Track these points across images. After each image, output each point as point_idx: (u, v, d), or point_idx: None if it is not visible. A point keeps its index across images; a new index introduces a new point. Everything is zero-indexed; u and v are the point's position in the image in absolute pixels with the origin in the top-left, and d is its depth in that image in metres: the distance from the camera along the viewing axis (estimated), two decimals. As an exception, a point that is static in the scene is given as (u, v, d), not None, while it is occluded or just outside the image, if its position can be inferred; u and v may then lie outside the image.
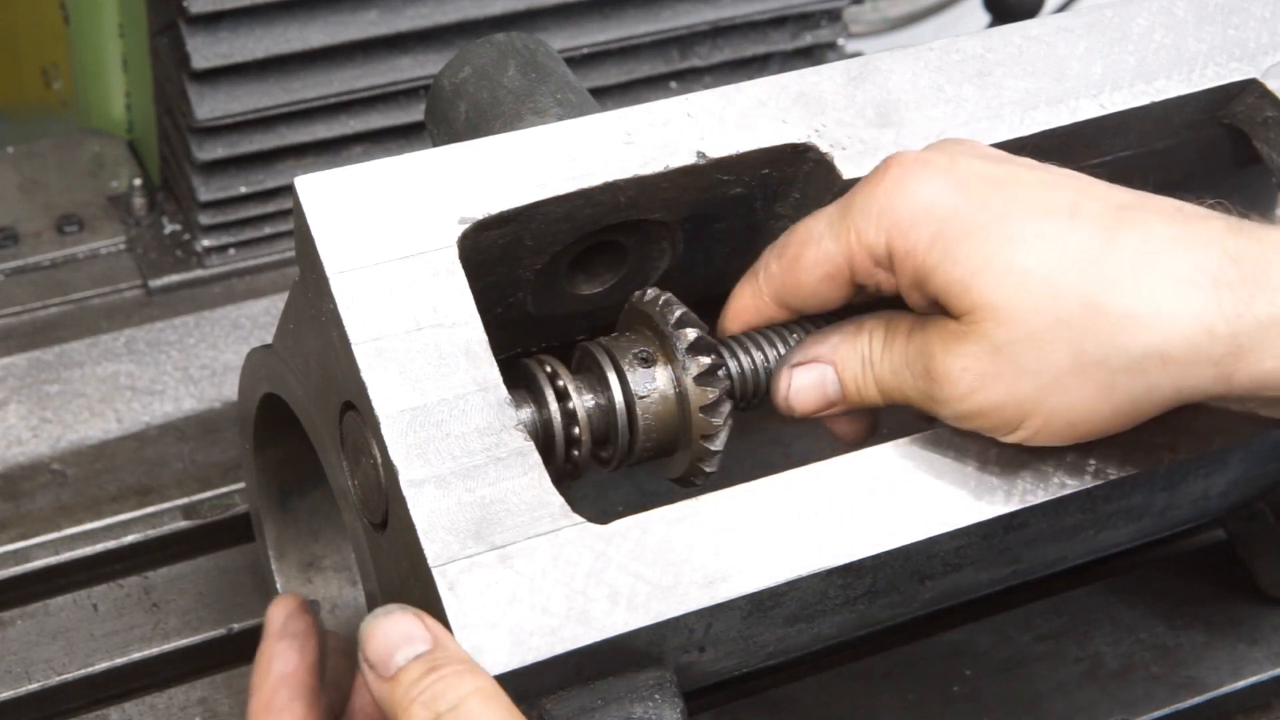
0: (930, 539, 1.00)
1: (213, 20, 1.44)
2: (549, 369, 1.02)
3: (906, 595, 1.08)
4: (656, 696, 0.99)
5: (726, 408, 1.02)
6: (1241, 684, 1.32)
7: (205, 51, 1.44)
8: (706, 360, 1.01)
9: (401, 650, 0.90)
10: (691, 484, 1.04)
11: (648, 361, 1.02)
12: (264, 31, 1.46)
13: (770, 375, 1.06)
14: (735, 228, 1.11)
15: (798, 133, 1.06)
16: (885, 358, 1.02)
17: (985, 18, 1.81)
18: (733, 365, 1.05)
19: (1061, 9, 1.93)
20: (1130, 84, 1.12)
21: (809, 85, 1.08)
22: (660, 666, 1.00)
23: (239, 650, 1.30)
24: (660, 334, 1.03)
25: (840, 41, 1.70)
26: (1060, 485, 1.03)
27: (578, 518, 0.95)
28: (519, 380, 1.02)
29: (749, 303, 1.07)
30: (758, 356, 1.06)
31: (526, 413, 1.00)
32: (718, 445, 1.02)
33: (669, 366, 1.02)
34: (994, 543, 1.07)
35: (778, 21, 1.66)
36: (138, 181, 1.58)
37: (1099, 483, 1.04)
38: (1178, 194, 1.25)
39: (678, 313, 1.02)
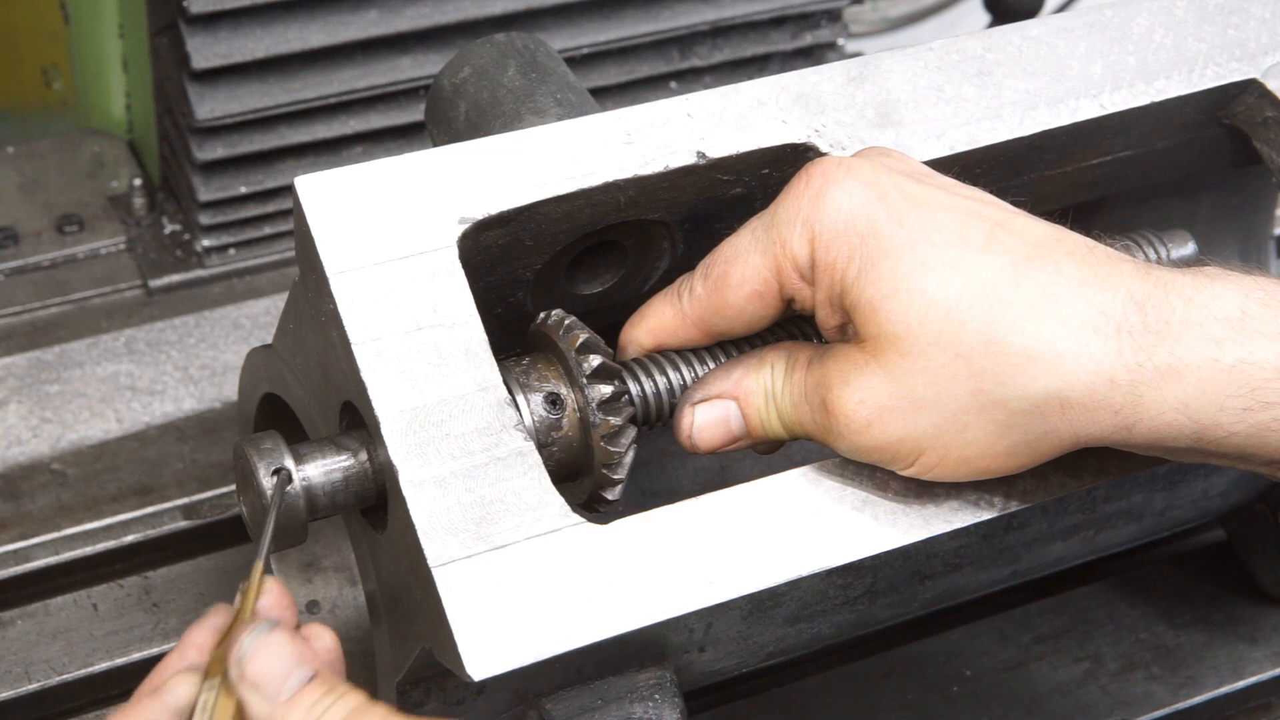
0: (930, 539, 1.00)
1: (213, 20, 1.44)
2: None
3: (906, 595, 1.08)
4: (656, 696, 0.99)
5: (629, 435, 1.01)
6: (1241, 684, 1.32)
7: (205, 51, 1.44)
8: (609, 389, 1.01)
9: (290, 679, 0.89)
10: (595, 510, 1.03)
11: (556, 405, 1.01)
12: (264, 31, 1.46)
13: (676, 400, 1.04)
14: (735, 228, 1.11)
15: (798, 133, 1.06)
16: (786, 390, 1.01)
17: (985, 18, 1.81)
18: (635, 389, 1.03)
19: (1061, 9, 1.93)
20: (1130, 84, 1.12)
21: (809, 85, 1.08)
22: (660, 666, 1.00)
23: (239, 650, 1.30)
24: (564, 359, 1.02)
25: (840, 41, 1.70)
26: (1060, 485, 1.03)
27: (577, 518, 0.94)
28: None
29: (669, 323, 1.05)
30: (662, 381, 1.04)
31: None
32: (620, 474, 1.01)
33: (572, 393, 1.01)
34: (994, 543, 1.07)
35: (778, 21, 1.66)
36: (138, 181, 1.58)
37: (1099, 483, 1.04)
38: (1178, 194, 1.26)
39: (582, 338, 1.01)
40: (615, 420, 1.00)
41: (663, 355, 1.05)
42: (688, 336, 1.05)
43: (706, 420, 1.02)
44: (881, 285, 0.95)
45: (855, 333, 0.97)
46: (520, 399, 1.00)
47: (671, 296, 1.05)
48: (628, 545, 0.95)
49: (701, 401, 1.03)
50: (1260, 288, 0.94)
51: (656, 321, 1.05)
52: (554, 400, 1.01)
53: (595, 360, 1.01)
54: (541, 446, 1.00)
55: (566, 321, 1.02)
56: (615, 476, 1.01)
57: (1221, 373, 0.92)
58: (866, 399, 0.95)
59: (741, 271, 1.01)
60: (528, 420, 1.00)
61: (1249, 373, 0.92)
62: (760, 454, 1.06)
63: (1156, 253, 1.19)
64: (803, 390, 0.99)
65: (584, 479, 1.03)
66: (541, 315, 1.04)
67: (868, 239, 0.96)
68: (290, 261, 1.55)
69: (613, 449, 1.00)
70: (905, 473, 0.98)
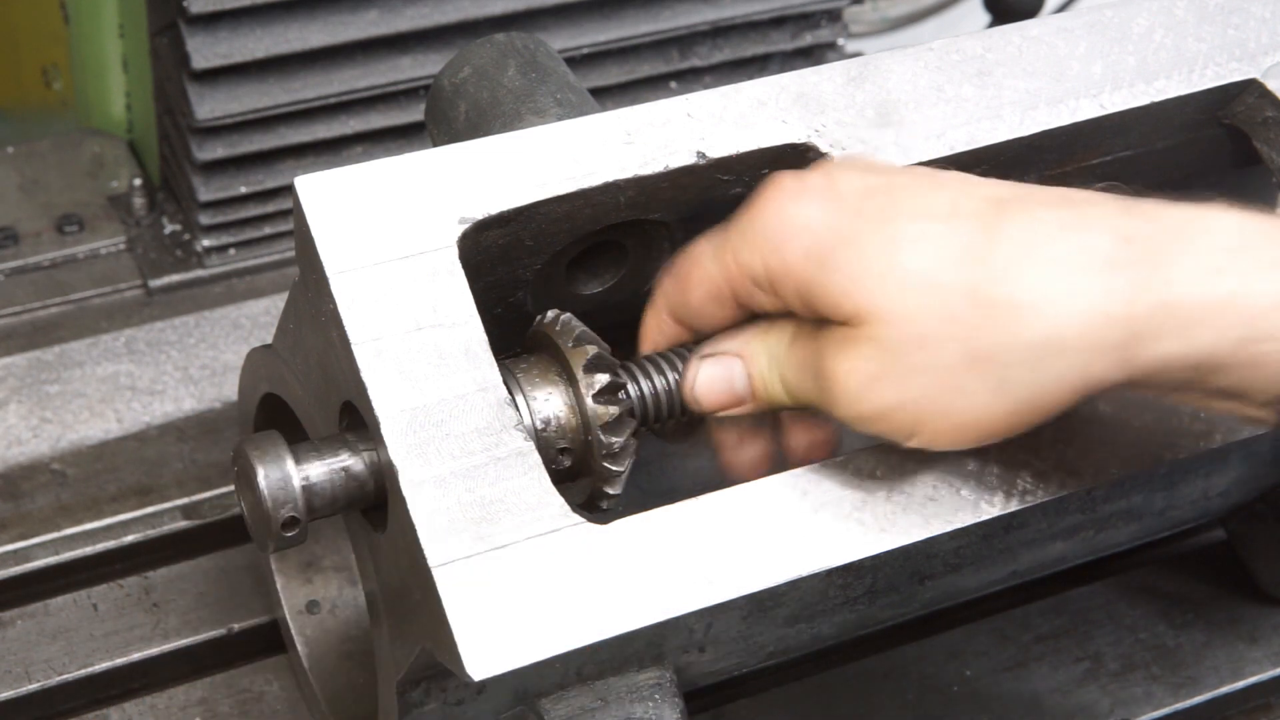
0: (930, 539, 1.00)
1: (213, 20, 1.44)
2: None
3: (906, 595, 1.08)
4: (656, 696, 0.99)
5: (629, 427, 1.01)
6: (1241, 684, 1.32)
7: (205, 51, 1.44)
8: (605, 378, 1.01)
9: None
10: (597, 508, 1.03)
11: (554, 401, 1.01)
12: (264, 31, 1.46)
13: (676, 398, 1.04)
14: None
15: (798, 133, 1.06)
16: (790, 356, 1.00)
17: (985, 18, 1.81)
18: (633, 389, 1.03)
19: (1061, 9, 1.93)
20: (1130, 84, 1.12)
21: (809, 85, 1.08)
22: (660, 666, 1.00)
23: (239, 650, 1.30)
24: (560, 354, 1.02)
25: (840, 41, 1.70)
26: (1060, 485, 1.03)
27: (577, 518, 0.95)
28: None
29: (651, 322, 1.06)
30: (666, 378, 1.04)
31: None
32: (620, 466, 1.01)
33: (570, 388, 1.01)
34: (994, 543, 1.07)
35: (778, 21, 1.66)
36: (138, 181, 1.58)
37: (1099, 483, 1.04)
38: (1178, 194, 1.25)
39: (576, 332, 1.02)
40: (612, 410, 1.00)
41: (661, 355, 1.05)
42: (671, 331, 1.05)
43: (710, 375, 1.02)
44: (848, 270, 0.94)
45: (836, 320, 0.96)
46: (520, 399, 1.00)
47: (652, 298, 1.06)
48: (628, 545, 0.95)
49: (708, 356, 1.03)
50: (1255, 218, 0.93)
51: (644, 324, 1.07)
52: (552, 397, 1.01)
53: (591, 350, 1.01)
54: (541, 445, 1.00)
55: (563, 318, 1.02)
56: (615, 469, 1.01)
57: (1217, 303, 0.90)
58: (857, 367, 0.94)
59: (699, 275, 1.02)
60: (527, 420, 1.00)
61: (1246, 303, 0.90)
62: (798, 459, 1.05)
63: None
64: (803, 355, 0.99)
65: (585, 478, 1.03)
66: (539, 317, 1.04)
67: (821, 235, 0.95)
68: (290, 261, 1.55)
69: (611, 439, 1.00)
70: (911, 444, 0.96)
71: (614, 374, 1.01)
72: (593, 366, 1.00)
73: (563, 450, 1.01)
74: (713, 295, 1.01)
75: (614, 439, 1.00)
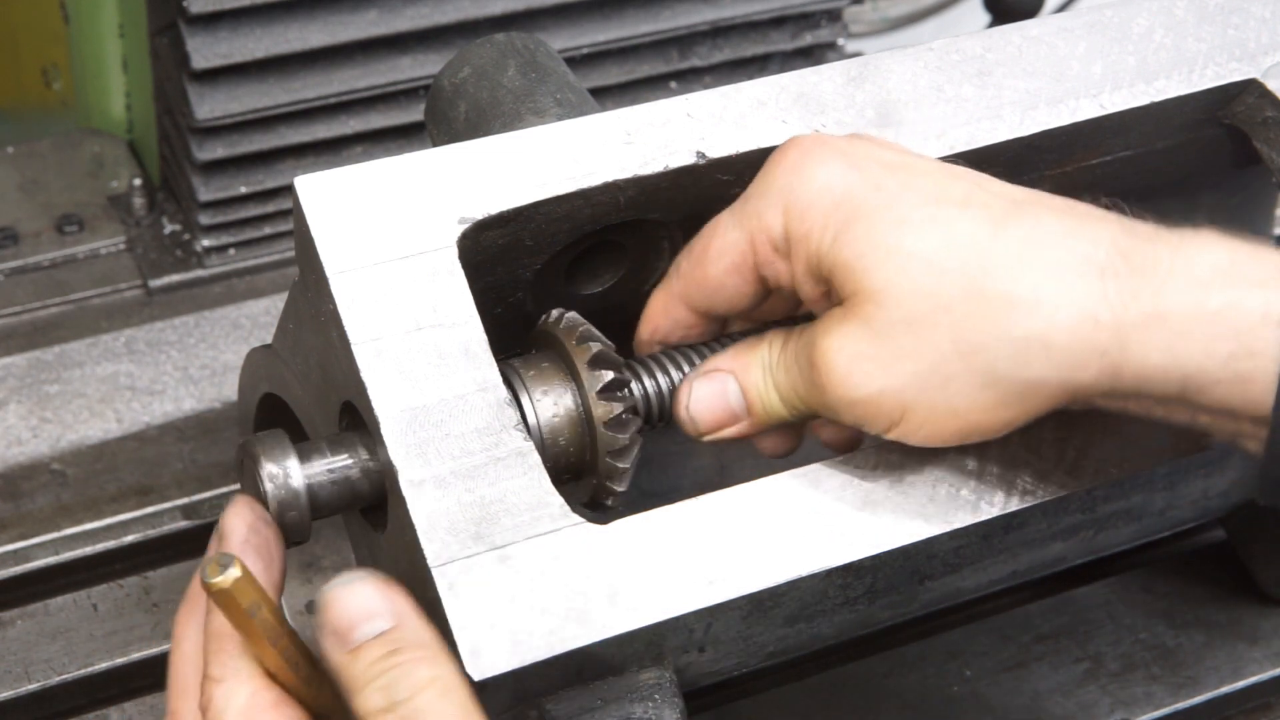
0: (930, 539, 1.00)
1: (213, 20, 1.44)
2: None
3: (906, 595, 1.08)
4: (656, 696, 0.99)
5: (632, 425, 1.01)
6: (1241, 684, 1.32)
7: (205, 51, 1.44)
8: (609, 374, 1.01)
9: (362, 626, 0.89)
10: (602, 506, 1.03)
11: (557, 398, 1.01)
12: (264, 31, 1.46)
13: None
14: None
15: (797, 133, 1.06)
16: (781, 360, 1.00)
17: (985, 18, 1.81)
18: (637, 387, 1.03)
19: (1061, 9, 1.93)
20: (1130, 84, 1.12)
21: (809, 85, 1.08)
22: (660, 666, 1.00)
23: (239, 650, 1.30)
24: (565, 351, 1.02)
25: (840, 41, 1.70)
26: (1060, 485, 1.03)
27: (577, 518, 0.95)
28: None
29: (660, 306, 1.06)
30: (664, 379, 1.04)
31: None
32: (625, 463, 1.01)
33: (574, 385, 1.01)
34: (994, 543, 1.07)
35: (778, 21, 1.66)
36: (138, 181, 1.58)
37: (1099, 483, 1.04)
38: (1178, 194, 1.26)
39: (580, 329, 1.02)
40: (616, 406, 1.00)
41: (664, 354, 1.05)
42: (679, 316, 1.05)
43: (704, 394, 1.02)
44: (858, 245, 0.95)
45: (837, 297, 0.97)
46: (525, 397, 1.00)
47: (663, 282, 1.06)
48: (628, 545, 0.95)
49: (700, 375, 1.03)
50: (1249, 243, 0.94)
51: (650, 308, 1.06)
52: (556, 394, 1.01)
53: (595, 347, 1.01)
54: (546, 443, 1.00)
55: (568, 315, 1.03)
56: (620, 465, 1.01)
57: (1207, 316, 0.91)
58: (845, 346, 0.95)
59: (719, 245, 1.01)
60: (532, 418, 1.00)
61: (1235, 317, 0.91)
62: (766, 454, 1.06)
63: None
64: (794, 354, 0.99)
65: (589, 476, 1.03)
66: (543, 316, 1.04)
67: (842, 205, 0.96)
68: (290, 261, 1.55)
69: (616, 434, 1.00)
70: (893, 435, 0.96)
71: (618, 371, 1.01)
72: (597, 363, 1.00)
73: (567, 448, 1.01)
74: (734, 266, 1.01)
75: (618, 435, 1.00)
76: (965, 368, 0.93)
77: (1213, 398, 0.93)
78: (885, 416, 0.96)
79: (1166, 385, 0.93)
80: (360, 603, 0.90)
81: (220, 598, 0.88)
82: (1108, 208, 1.04)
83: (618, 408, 1.00)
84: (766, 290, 1.03)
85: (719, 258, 1.02)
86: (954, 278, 0.93)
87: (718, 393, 1.02)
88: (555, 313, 1.03)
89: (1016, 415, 0.95)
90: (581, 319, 1.03)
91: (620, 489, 1.02)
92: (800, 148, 0.99)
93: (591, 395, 1.00)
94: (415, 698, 0.87)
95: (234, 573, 0.87)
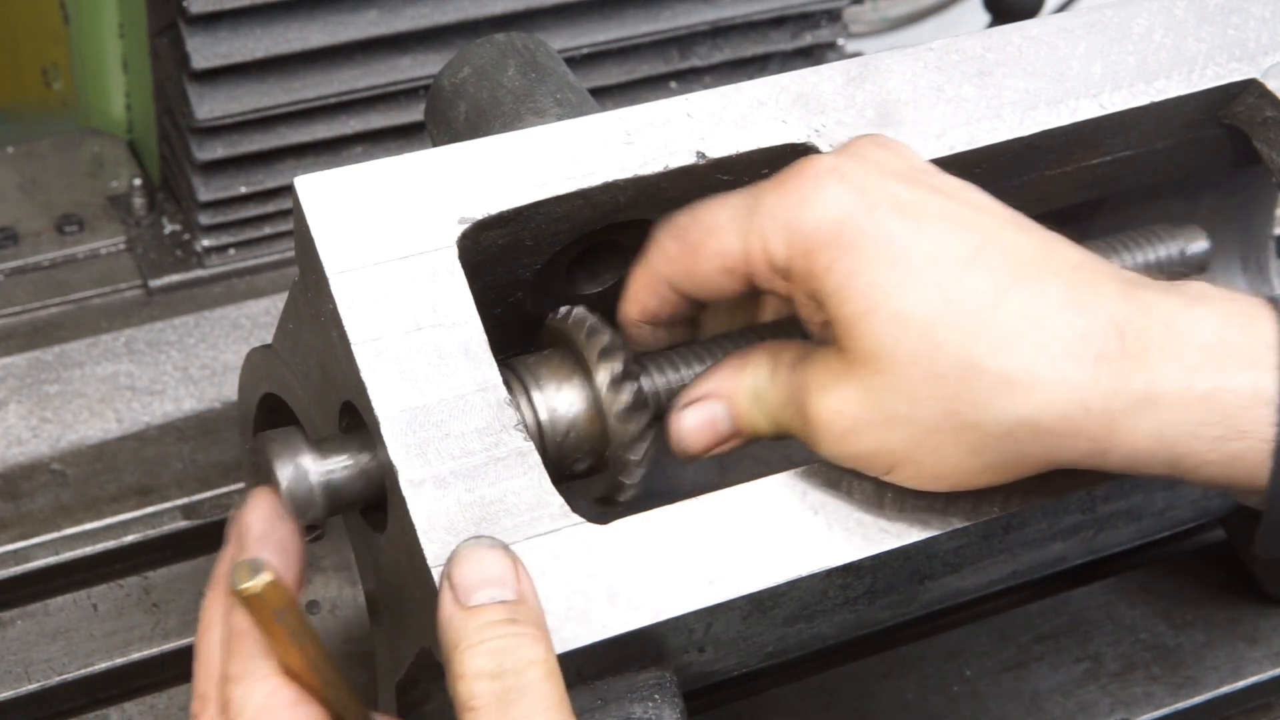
0: (930, 539, 1.00)
1: (213, 20, 1.44)
2: None
3: (906, 595, 1.08)
4: (656, 696, 0.99)
5: (644, 416, 1.01)
6: (1241, 684, 1.32)
7: (205, 51, 1.44)
8: (619, 366, 1.01)
9: (487, 589, 0.88)
10: (614, 502, 1.03)
11: (568, 394, 1.01)
12: (264, 31, 1.46)
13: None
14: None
15: (797, 133, 1.06)
16: (773, 390, 1.01)
17: (985, 18, 1.81)
18: (647, 381, 1.04)
19: (1061, 9, 1.93)
20: (1130, 84, 1.12)
21: (809, 85, 1.08)
22: (660, 666, 1.00)
23: (239, 650, 1.30)
24: (575, 346, 1.02)
25: (840, 41, 1.70)
26: (1060, 485, 1.03)
27: (577, 518, 0.95)
28: None
29: (645, 284, 1.05)
30: (674, 376, 1.05)
31: None
32: (637, 455, 1.01)
33: (585, 379, 1.01)
34: (994, 543, 1.07)
35: (778, 21, 1.66)
36: (138, 181, 1.58)
37: (1099, 483, 1.04)
38: (1178, 194, 1.26)
39: (589, 323, 1.02)
40: (626, 398, 1.00)
41: (675, 351, 1.05)
42: (664, 294, 1.04)
43: (694, 423, 1.03)
44: (859, 302, 0.95)
45: (833, 337, 0.97)
46: (536, 393, 1.00)
47: (644, 259, 1.05)
48: (628, 545, 0.95)
49: (687, 406, 1.03)
50: (1241, 313, 0.94)
51: (634, 287, 1.06)
52: (567, 389, 1.01)
53: (605, 339, 1.01)
54: (557, 439, 1.00)
55: (576, 311, 1.03)
56: (632, 458, 1.01)
57: (1196, 401, 0.92)
58: (843, 409, 0.96)
59: (716, 246, 1.01)
60: (544, 414, 1.00)
61: (1223, 400, 0.92)
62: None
63: (1169, 251, 1.19)
64: (786, 392, 1.00)
65: (602, 472, 1.03)
66: (551, 314, 1.04)
67: (847, 253, 0.96)
68: (290, 261, 1.55)
69: (627, 425, 1.00)
70: (888, 479, 0.98)
71: (628, 363, 1.01)
72: (607, 355, 1.01)
73: (580, 442, 1.01)
74: (728, 269, 1.01)
75: (629, 427, 1.00)
76: (955, 439, 0.95)
77: (1202, 475, 0.94)
78: (876, 469, 0.98)
79: (1153, 464, 0.94)
80: (491, 568, 0.89)
81: (250, 603, 0.88)
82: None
83: (627, 399, 1.00)
84: (757, 291, 1.03)
85: (714, 257, 1.01)
86: (951, 350, 0.93)
87: (706, 422, 1.03)
88: (563, 310, 1.04)
89: (1001, 478, 0.98)
90: (590, 314, 1.03)
91: (633, 482, 1.02)
92: (816, 177, 0.98)
93: (603, 387, 1.00)
94: (524, 672, 0.87)
95: (265, 578, 0.87)
